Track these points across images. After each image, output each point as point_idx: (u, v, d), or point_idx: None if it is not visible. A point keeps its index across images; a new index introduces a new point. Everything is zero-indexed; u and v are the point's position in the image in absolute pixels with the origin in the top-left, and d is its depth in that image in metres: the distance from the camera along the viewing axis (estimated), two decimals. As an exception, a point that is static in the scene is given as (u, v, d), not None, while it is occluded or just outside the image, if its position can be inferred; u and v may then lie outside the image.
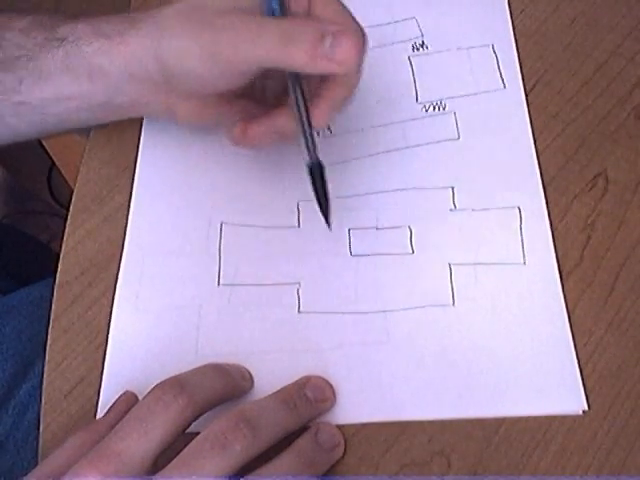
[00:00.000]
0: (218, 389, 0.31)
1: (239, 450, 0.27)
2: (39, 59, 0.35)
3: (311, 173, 0.34)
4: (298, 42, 0.30)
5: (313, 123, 0.33)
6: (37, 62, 0.36)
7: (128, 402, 0.32)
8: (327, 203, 0.34)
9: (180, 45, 0.33)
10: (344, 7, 0.33)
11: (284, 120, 0.34)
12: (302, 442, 0.30)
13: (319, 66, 0.30)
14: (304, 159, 0.34)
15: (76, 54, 0.35)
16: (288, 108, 0.34)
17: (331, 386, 0.33)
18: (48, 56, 0.35)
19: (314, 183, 0.34)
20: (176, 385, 0.29)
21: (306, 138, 0.33)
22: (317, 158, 0.34)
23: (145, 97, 0.36)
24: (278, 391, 0.32)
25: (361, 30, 0.32)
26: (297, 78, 0.32)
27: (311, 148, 0.33)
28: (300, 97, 0.33)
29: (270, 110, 0.35)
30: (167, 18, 0.34)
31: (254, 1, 0.32)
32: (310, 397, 0.32)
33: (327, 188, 0.34)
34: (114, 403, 0.32)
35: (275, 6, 0.31)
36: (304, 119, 0.33)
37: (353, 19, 0.32)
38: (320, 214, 0.35)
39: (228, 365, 0.33)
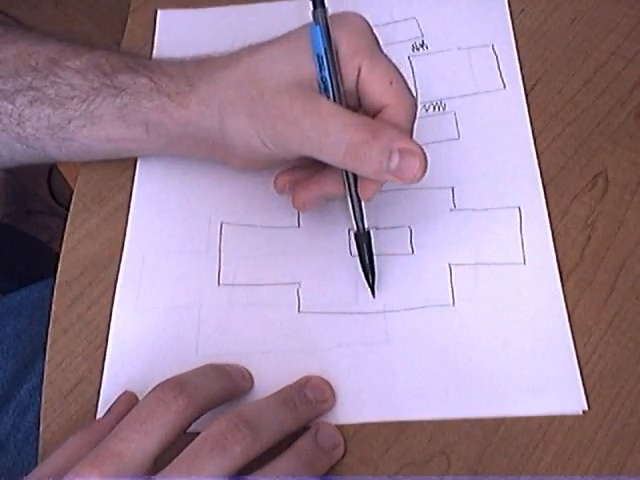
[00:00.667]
0: (218, 389, 0.31)
1: (239, 451, 0.27)
2: (93, 103, 0.35)
3: (357, 242, 0.34)
4: (365, 159, 0.30)
5: (362, 196, 0.33)
6: (90, 105, 0.36)
7: (128, 402, 0.32)
8: (373, 272, 0.35)
9: (244, 128, 0.33)
10: (396, 78, 0.32)
11: (331, 186, 0.34)
12: (302, 443, 0.30)
13: (383, 179, 0.31)
14: (352, 228, 0.34)
15: (133, 106, 0.35)
16: (334, 172, 0.34)
17: (331, 386, 0.33)
18: (103, 102, 0.35)
19: (360, 252, 0.34)
20: (176, 386, 0.29)
21: (354, 208, 0.34)
22: (364, 228, 0.34)
23: (198, 149, 0.37)
24: (278, 392, 0.32)
25: (414, 100, 0.32)
26: None
27: (359, 219, 0.34)
28: (350, 173, 0.33)
29: (316, 174, 0.35)
30: (227, 90, 0.33)
31: (313, 74, 0.32)
32: (310, 397, 0.32)
33: (373, 257, 0.35)
34: (114, 403, 0.32)
35: (326, 75, 0.32)
36: (353, 191, 0.34)
37: (404, 89, 0.32)
38: (365, 282, 0.35)
39: (228, 365, 0.33)
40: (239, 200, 0.39)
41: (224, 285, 0.36)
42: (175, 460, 0.27)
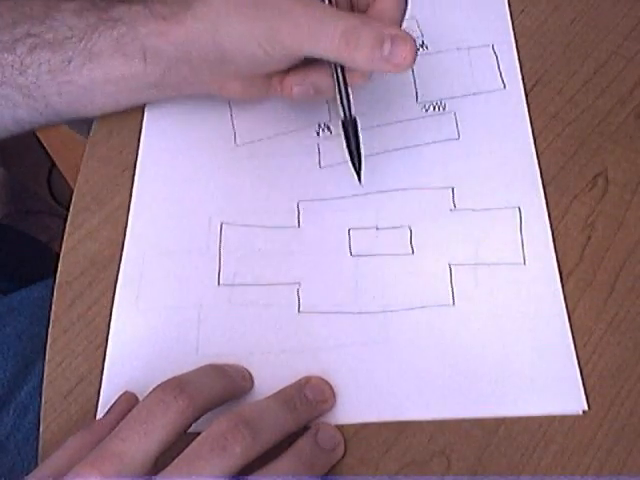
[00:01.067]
0: (219, 390, 0.31)
1: (239, 452, 0.27)
2: (90, 39, 0.36)
3: (345, 129, 0.35)
4: (358, 45, 0.31)
5: (348, 79, 0.34)
6: (88, 42, 0.36)
7: (128, 402, 0.32)
8: (360, 159, 0.35)
9: (238, 31, 0.33)
10: None
11: (319, 74, 0.35)
12: (302, 443, 0.30)
13: (376, 68, 0.32)
14: (339, 115, 0.35)
15: (130, 35, 0.36)
16: (323, 63, 0.35)
17: (331, 387, 0.33)
18: (100, 37, 0.36)
19: (347, 139, 0.35)
20: (176, 386, 0.29)
21: (341, 95, 0.34)
22: (351, 115, 0.35)
23: (196, 77, 0.37)
24: (278, 392, 0.32)
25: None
26: None
27: (345, 105, 0.35)
28: (342, 82, 0.34)
29: (307, 64, 0.36)
30: (222, 3, 0.34)
31: None
32: (310, 398, 0.32)
33: (360, 144, 0.35)
34: (114, 403, 0.32)
35: None
36: (339, 75, 0.34)
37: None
38: (353, 171, 0.36)
39: (228, 366, 0.33)
40: (239, 200, 0.39)
41: (224, 285, 0.36)
42: (175, 460, 0.27)
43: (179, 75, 0.37)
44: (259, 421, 0.29)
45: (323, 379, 0.33)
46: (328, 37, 0.31)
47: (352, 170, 0.36)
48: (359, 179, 0.36)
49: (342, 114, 0.35)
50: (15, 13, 0.37)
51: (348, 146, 0.35)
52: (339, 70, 0.34)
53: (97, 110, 0.40)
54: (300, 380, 0.33)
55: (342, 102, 0.35)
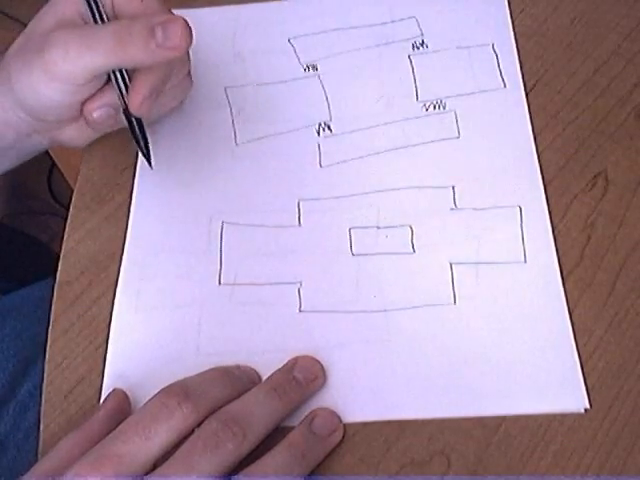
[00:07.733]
0: (224, 398, 0.30)
1: (232, 448, 0.27)
2: None
3: (132, 130, 0.37)
4: (131, 41, 0.32)
5: (132, 109, 0.35)
6: None
7: (116, 399, 0.32)
8: (149, 151, 0.37)
9: (24, 77, 0.34)
10: None
11: (111, 92, 0.36)
12: (294, 434, 0.30)
13: (157, 57, 0.33)
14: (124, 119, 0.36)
15: None
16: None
17: (320, 364, 0.33)
18: None
19: (135, 136, 0.37)
20: (181, 392, 0.29)
21: (123, 96, 0.35)
22: (136, 117, 0.36)
23: (24, 138, 0.38)
24: (265, 380, 0.32)
25: (165, 8, 0.35)
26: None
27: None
28: (120, 79, 0.35)
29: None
30: (11, 59, 0.35)
31: (75, 12, 0.35)
32: (299, 379, 0.32)
33: (148, 139, 0.37)
34: (103, 401, 0.32)
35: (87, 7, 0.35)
36: (119, 78, 0.35)
37: (157, 3, 0.35)
38: (144, 159, 0.38)
39: (238, 369, 0.33)
40: (240, 199, 0.39)
41: (225, 285, 0.36)
42: (170, 459, 0.27)
43: (3, 140, 0.37)
44: (248, 415, 0.29)
45: (312, 357, 0.33)
46: (101, 42, 0.32)
47: (143, 158, 0.38)
48: (149, 164, 0.38)
49: (126, 119, 0.36)
50: None
51: (137, 142, 0.37)
52: (118, 75, 0.35)
53: None
54: (288, 362, 0.33)
55: (125, 104, 0.35)
